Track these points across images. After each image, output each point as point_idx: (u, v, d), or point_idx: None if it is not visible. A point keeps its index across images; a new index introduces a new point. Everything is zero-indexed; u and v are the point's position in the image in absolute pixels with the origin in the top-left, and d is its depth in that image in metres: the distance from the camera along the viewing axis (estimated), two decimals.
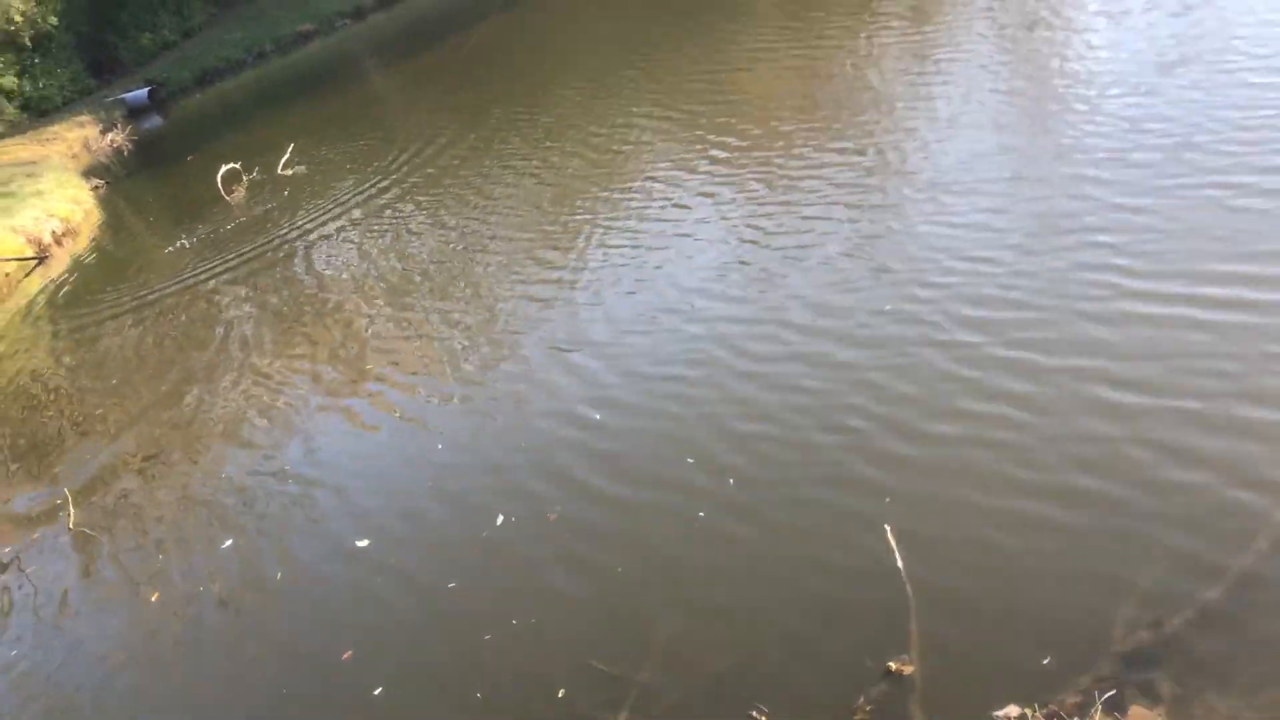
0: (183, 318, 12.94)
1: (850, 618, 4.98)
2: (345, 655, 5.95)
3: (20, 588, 8.08)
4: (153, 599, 7.24)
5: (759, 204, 9.97)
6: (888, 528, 5.27)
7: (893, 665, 4.58)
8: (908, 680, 4.55)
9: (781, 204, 9.77)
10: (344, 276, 12.37)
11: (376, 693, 5.60)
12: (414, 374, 9.06)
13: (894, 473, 5.76)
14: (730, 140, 11.97)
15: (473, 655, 5.61)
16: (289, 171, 17.69)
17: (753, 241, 9.14)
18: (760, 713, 4.46)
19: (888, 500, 5.59)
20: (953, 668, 4.58)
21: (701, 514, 5.99)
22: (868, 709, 4.47)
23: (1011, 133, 9.67)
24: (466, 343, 9.34)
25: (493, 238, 11.65)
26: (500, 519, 6.60)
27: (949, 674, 4.56)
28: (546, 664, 5.36)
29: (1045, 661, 4.44)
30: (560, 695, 5.14)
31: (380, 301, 11.04)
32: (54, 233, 19.18)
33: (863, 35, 14.20)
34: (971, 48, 12.25)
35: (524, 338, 8.94)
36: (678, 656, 5.12)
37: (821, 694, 4.63)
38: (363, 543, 6.91)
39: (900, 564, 5.07)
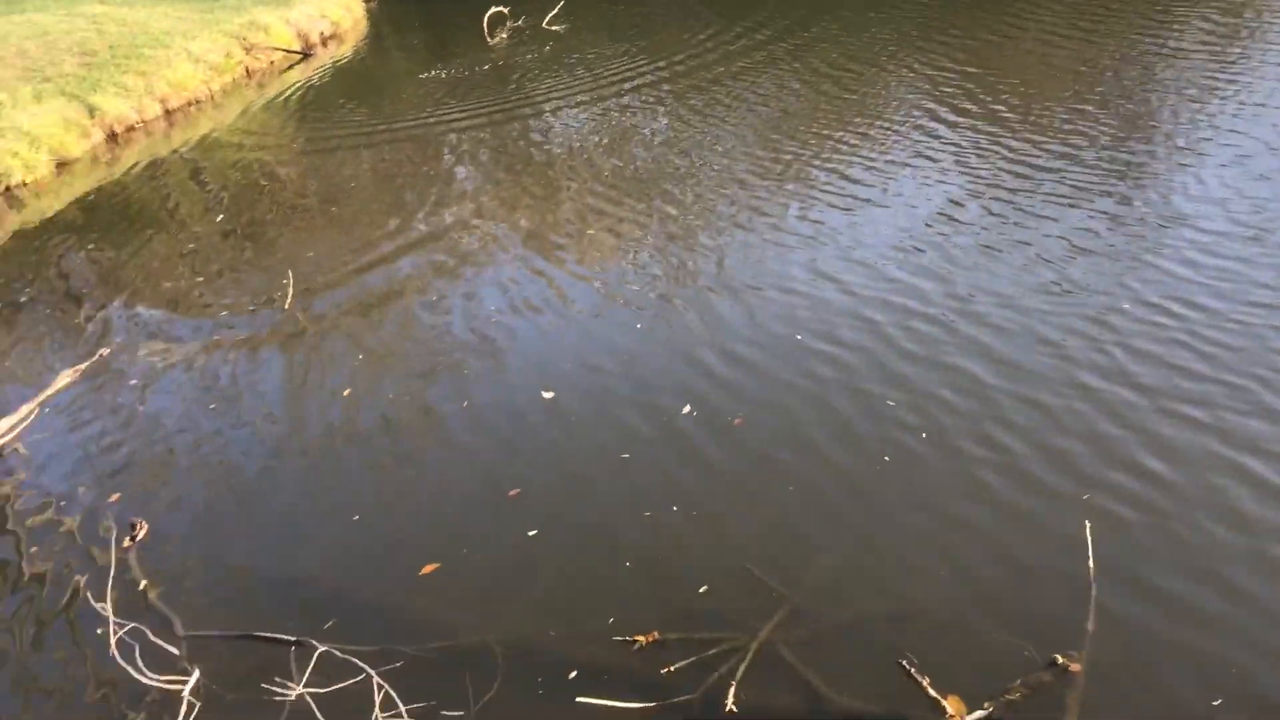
0: (414, 152, 13.31)
1: (1022, 607, 4.78)
2: (512, 493, 6.08)
3: (225, 361, 8.58)
4: (344, 394, 7.58)
5: (988, 184, 9.58)
6: (1087, 524, 5.02)
7: (1059, 659, 4.38)
8: (1071, 678, 4.35)
9: (1010, 190, 9.36)
10: (576, 149, 12.48)
11: (531, 533, 5.72)
12: (617, 259, 9.11)
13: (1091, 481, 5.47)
14: (981, 112, 11.50)
15: (628, 525, 5.65)
16: (554, 27, 17.99)
17: (966, 223, 8.80)
18: (910, 663, 4.34)
19: (1085, 497, 5.33)
20: (1120, 682, 4.35)
21: (887, 459, 5.85)
22: (1020, 693, 4.29)
23: None
24: (684, 242, 9.32)
25: (730, 152, 11.54)
26: (687, 409, 6.60)
27: (1114, 687, 4.34)
28: (700, 555, 5.36)
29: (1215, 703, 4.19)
30: (703, 590, 5.12)
31: (603, 184, 11.10)
32: (321, 33, 20.11)
33: (1165, 36, 13.31)
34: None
35: (748, 255, 8.86)
36: (836, 589, 5.04)
37: (975, 666, 4.48)
38: (548, 394, 7.03)
39: (1091, 564, 4.83)
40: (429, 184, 12.05)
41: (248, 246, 11.23)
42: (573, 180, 11.49)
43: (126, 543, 6.33)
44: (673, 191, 10.64)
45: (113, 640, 5.19)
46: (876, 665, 4.53)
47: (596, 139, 12.86)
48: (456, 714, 4.56)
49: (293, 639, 5.11)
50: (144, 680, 4.98)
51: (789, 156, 11.17)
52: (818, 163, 10.88)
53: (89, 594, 5.73)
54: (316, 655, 4.91)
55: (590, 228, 10.00)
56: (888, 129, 11.65)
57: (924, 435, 6.03)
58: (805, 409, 6.47)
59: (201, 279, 10.42)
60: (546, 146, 13.01)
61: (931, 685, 4.26)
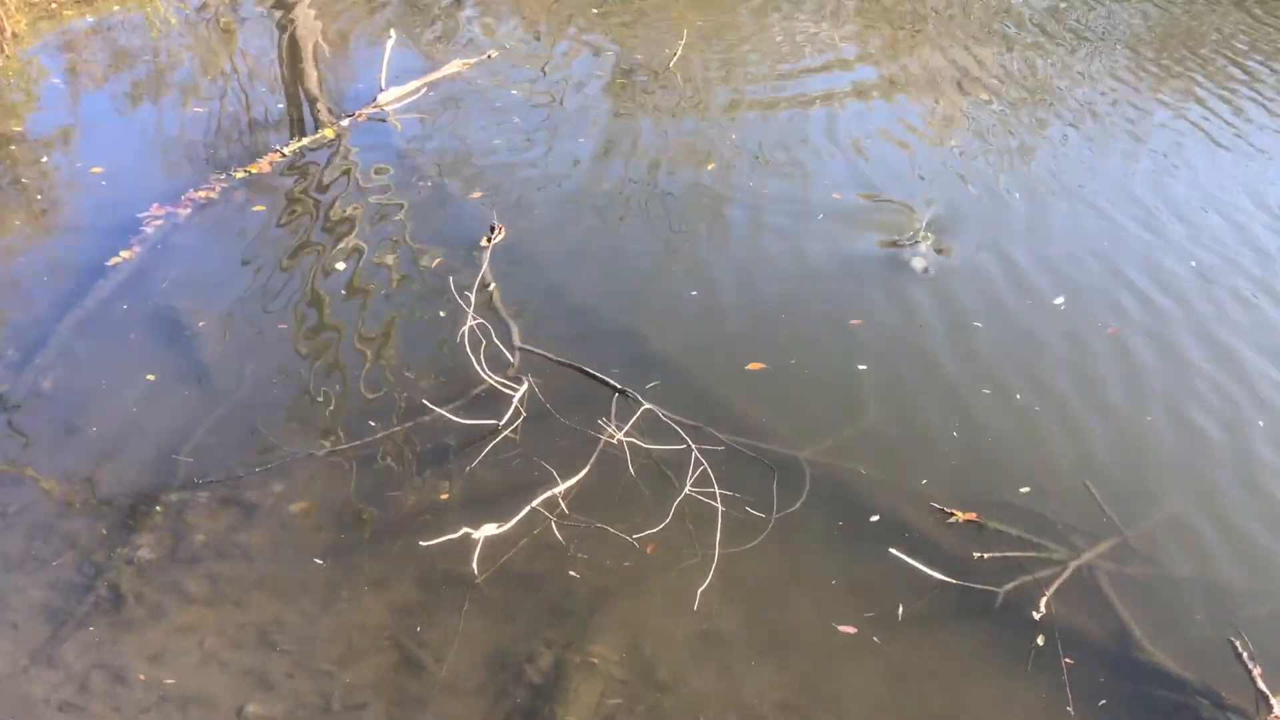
0: None
1: None
2: (854, 321, 5.93)
3: (587, 104, 8.65)
4: (708, 167, 7.51)
5: None
6: None
7: None
8: None
9: None
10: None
11: (861, 367, 5.62)
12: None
13: None
14: None
15: (969, 395, 5.43)
16: None
17: None
18: (1243, 646, 3.98)
19: None
20: None
21: None
22: None
23: None
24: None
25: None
26: (1060, 300, 6.17)
27: None
28: (1035, 453, 5.07)
29: None
30: (1025, 490, 4.85)
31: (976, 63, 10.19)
32: None
33: None
34: None
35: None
36: (1179, 540, 4.65)
37: None
38: (919, 263, 6.71)
39: None
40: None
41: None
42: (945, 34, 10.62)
43: (484, 242, 6.61)
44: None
45: (467, 328, 5.49)
46: (1201, 632, 4.19)
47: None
48: (760, 515, 4.57)
49: (619, 387, 5.22)
50: (482, 374, 5.26)
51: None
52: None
53: (451, 280, 6.03)
54: (641, 411, 5.01)
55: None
56: None
57: None
58: (1194, 342, 5.88)
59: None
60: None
61: (1262, 677, 3.90)
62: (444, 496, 4.76)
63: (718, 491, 4.53)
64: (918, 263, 6.25)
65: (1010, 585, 4.27)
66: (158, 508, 4.70)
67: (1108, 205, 7.32)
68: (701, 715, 3.81)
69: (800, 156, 8.01)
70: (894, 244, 6.66)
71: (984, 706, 3.89)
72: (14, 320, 5.98)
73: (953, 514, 4.58)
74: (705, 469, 4.63)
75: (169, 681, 3.95)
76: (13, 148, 8.13)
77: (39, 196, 7.42)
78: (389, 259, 6.57)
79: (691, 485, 4.61)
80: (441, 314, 5.98)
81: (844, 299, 6.17)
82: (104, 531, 4.61)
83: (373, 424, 5.16)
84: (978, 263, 6.59)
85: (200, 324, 5.91)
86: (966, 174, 7.78)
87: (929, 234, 6.73)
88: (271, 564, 4.46)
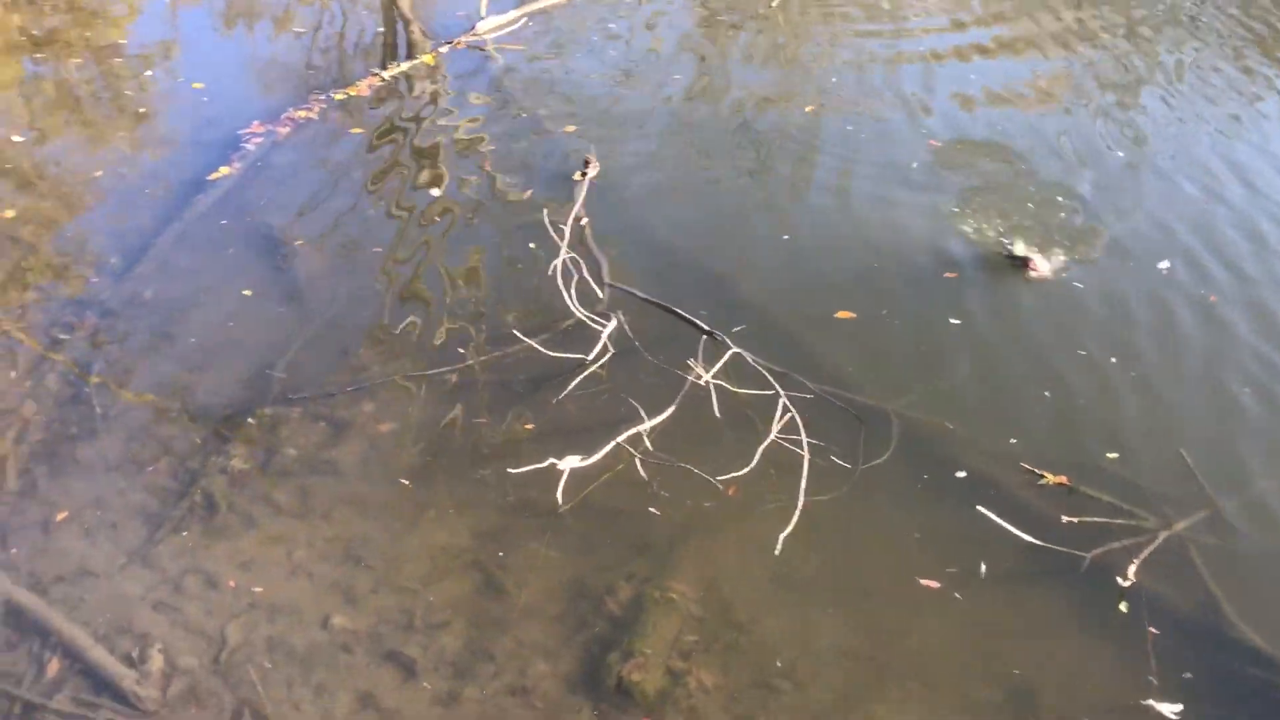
0: None
1: None
2: (949, 274, 5.81)
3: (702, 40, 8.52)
4: (807, 110, 7.38)
5: None
6: None
7: None
8: None
9: None
10: None
11: (954, 321, 5.49)
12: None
13: None
14: None
15: (1062, 357, 5.30)
16: None
17: None
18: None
19: None
20: None
21: None
22: None
23: None
24: None
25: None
26: (1165, 265, 5.99)
27: None
28: (1127, 420, 4.95)
29: None
30: (1114, 455, 4.74)
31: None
32: None
33: None
34: None
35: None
36: (1276, 518, 4.52)
37: None
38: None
39: None
40: None
41: None
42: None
43: (576, 176, 6.58)
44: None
45: (560, 261, 5.49)
46: None
47: None
48: (845, 465, 4.54)
49: (707, 329, 5.20)
50: (572, 309, 5.27)
51: None
52: None
53: (545, 214, 6.02)
54: (729, 354, 4.98)
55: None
56: None
57: None
58: None
59: None
60: None
61: None
62: (528, 427, 4.80)
63: (804, 440, 4.49)
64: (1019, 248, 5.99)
65: (1098, 551, 4.19)
66: (251, 420, 4.81)
67: (1213, 170, 7.06)
68: (778, 658, 3.82)
69: (898, 105, 7.84)
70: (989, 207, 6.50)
71: (1064, 670, 3.84)
72: (117, 229, 6.13)
73: (1043, 476, 4.51)
74: (794, 415, 4.59)
75: (258, 589, 4.07)
76: (116, 60, 8.27)
77: (141, 109, 7.56)
78: (480, 188, 6.59)
79: (778, 432, 4.58)
80: (530, 245, 5.99)
81: (938, 252, 6.05)
82: (198, 440, 4.73)
83: (460, 351, 5.21)
84: (1078, 223, 6.41)
85: (296, 243, 6.00)
86: (1066, 131, 7.55)
87: (1032, 200, 6.55)
88: (359, 481, 4.55)
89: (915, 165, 6.96)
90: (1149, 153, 7.31)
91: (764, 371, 4.88)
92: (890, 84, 8.18)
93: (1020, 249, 5.83)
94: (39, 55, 8.22)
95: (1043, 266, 5.82)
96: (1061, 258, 5.96)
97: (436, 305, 5.58)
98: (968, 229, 6.27)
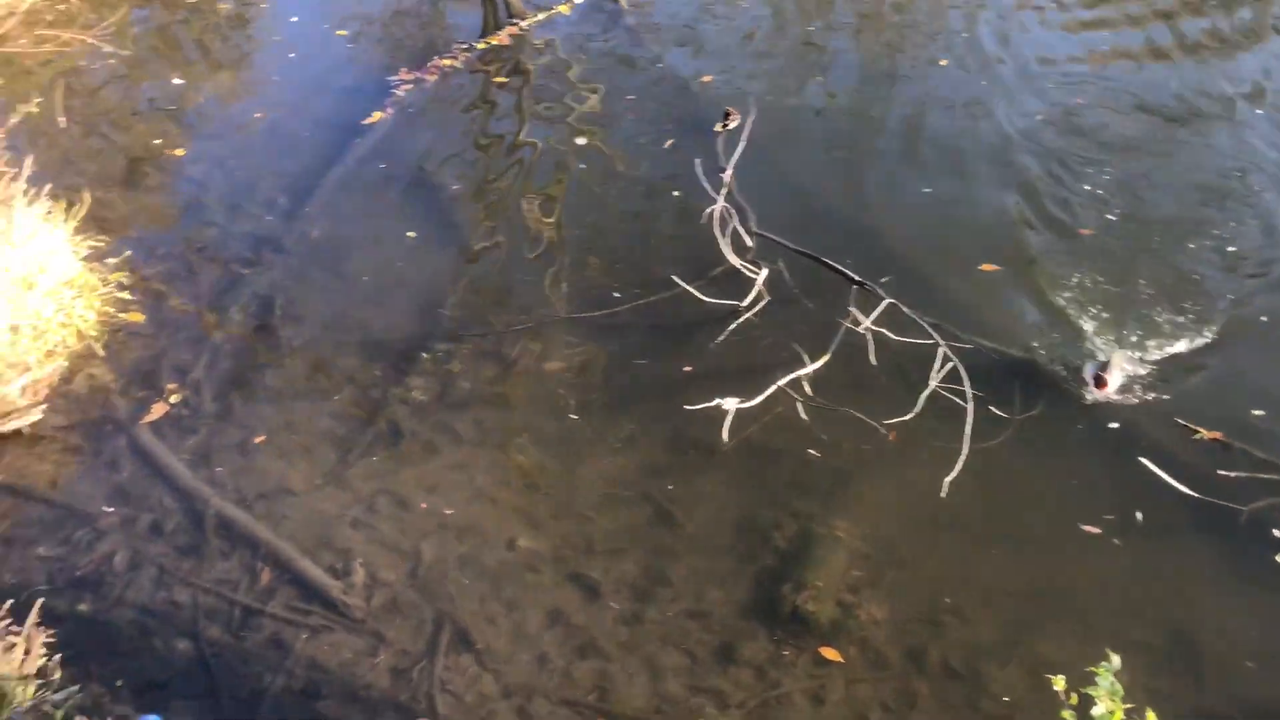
0: None
1: None
2: (1084, 230, 5.86)
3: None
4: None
5: None
6: None
7: None
8: None
9: None
10: None
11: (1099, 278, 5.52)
12: None
13: None
14: None
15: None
16: None
17: None
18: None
19: None
20: None
21: None
22: None
23: None
24: None
25: None
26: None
27: None
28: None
29: None
30: (1260, 413, 4.78)
31: None
32: None
33: None
34: None
35: None
36: None
37: None
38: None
39: None
40: None
41: None
42: None
43: (718, 127, 6.71)
44: None
45: (717, 210, 5.64)
46: None
47: None
48: (1002, 414, 4.66)
49: (858, 279, 5.32)
50: (727, 257, 5.43)
51: None
52: None
53: (699, 164, 6.14)
54: (885, 304, 5.11)
55: None
56: None
57: None
58: None
59: None
60: None
61: None
62: (687, 369, 5.00)
63: (968, 390, 4.61)
64: None
65: (1256, 504, 4.28)
66: (425, 355, 5.08)
67: None
68: (945, 595, 3.99)
69: (1038, 62, 7.74)
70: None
71: (1220, 617, 3.96)
72: (283, 169, 6.42)
73: (1197, 431, 4.59)
74: (956, 365, 4.72)
75: (447, 511, 4.35)
76: (264, 5, 8.54)
77: (291, 55, 7.82)
78: (624, 137, 6.75)
79: (938, 381, 4.70)
80: (676, 193, 6.15)
81: (1091, 217, 6.04)
82: (378, 372, 5.02)
83: (617, 295, 5.40)
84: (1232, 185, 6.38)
85: (454, 187, 6.25)
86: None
87: None
88: (530, 415, 4.80)
89: (1039, 118, 6.91)
90: None
91: (921, 322, 4.99)
92: (1041, 39, 8.01)
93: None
94: (188, 1, 8.51)
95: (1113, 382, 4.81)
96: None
97: (588, 249, 5.79)
98: None
